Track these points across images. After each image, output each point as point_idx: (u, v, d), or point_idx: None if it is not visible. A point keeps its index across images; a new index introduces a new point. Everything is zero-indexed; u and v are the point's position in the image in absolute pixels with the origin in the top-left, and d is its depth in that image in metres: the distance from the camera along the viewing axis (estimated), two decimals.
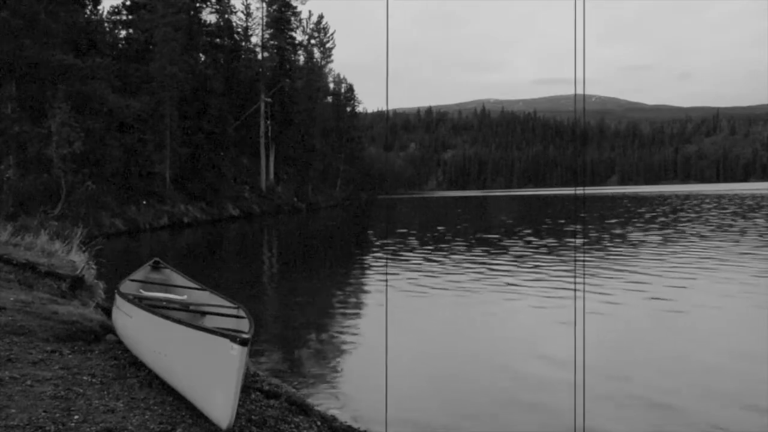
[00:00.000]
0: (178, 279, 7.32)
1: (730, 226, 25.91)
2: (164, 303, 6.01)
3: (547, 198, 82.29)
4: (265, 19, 57.93)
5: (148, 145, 36.27)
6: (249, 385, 4.95)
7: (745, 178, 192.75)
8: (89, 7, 35.28)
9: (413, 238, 25.40)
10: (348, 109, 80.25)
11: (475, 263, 16.42)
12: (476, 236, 25.63)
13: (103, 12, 41.41)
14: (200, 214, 39.21)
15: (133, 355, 5.05)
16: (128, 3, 42.51)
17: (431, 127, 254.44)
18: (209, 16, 51.93)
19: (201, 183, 41.15)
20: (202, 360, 3.75)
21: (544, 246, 20.41)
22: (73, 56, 28.12)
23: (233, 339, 3.54)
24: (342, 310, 11.26)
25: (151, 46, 39.36)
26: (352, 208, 63.94)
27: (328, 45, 67.90)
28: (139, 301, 5.37)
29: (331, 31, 67.86)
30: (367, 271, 16.65)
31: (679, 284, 12.29)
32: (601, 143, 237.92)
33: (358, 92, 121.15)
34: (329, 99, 75.01)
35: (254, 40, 58.87)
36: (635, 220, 32.27)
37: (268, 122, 56.02)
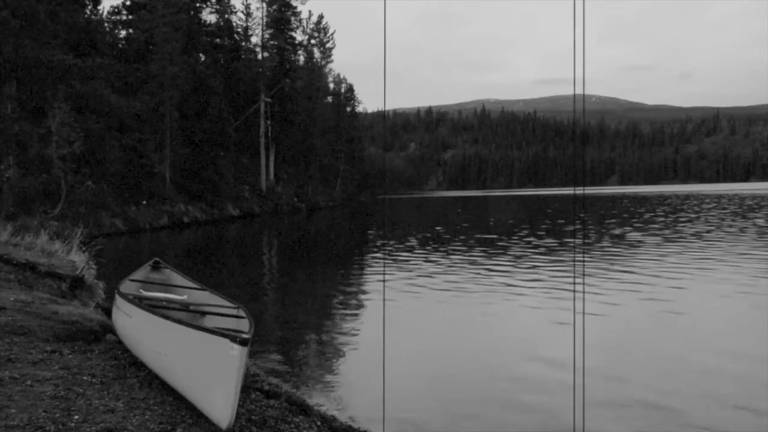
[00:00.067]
0: (178, 279, 7.33)
1: (730, 226, 25.92)
2: (164, 303, 6.02)
3: (547, 198, 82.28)
4: (265, 19, 57.95)
5: (148, 145, 36.27)
6: (249, 385, 4.96)
7: (745, 178, 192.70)
8: (89, 7, 35.33)
9: (413, 238, 25.41)
10: (348, 109, 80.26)
11: (474, 263, 16.43)
12: (476, 236, 25.63)
13: (103, 12, 41.52)
14: (200, 214, 39.21)
15: (133, 355, 5.06)
16: (128, 3, 42.55)
17: (431, 127, 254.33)
18: (209, 16, 52.05)
19: (201, 183, 41.16)
20: (202, 360, 3.76)
21: (544, 246, 20.41)
22: (73, 56, 28.13)
23: (233, 339, 3.55)
24: (342, 311, 11.28)
25: (151, 46, 39.37)
26: (352, 208, 63.95)
27: (328, 45, 67.96)
28: (139, 301, 5.38)
29: (331, 31, 67.94)
30: (367, 272, 16.66)
31: (679, 285, 12.30)
32: (601, 143, 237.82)
33: (358, 92, 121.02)
34: (329, 99, 75.02)
35: (254, 40, 58.96)
36: (635, 220, 32.27)
37: (268, 122, 56.02)
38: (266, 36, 58.15)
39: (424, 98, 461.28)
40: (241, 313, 5.31)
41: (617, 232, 25.14)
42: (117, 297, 5.60)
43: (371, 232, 31.99)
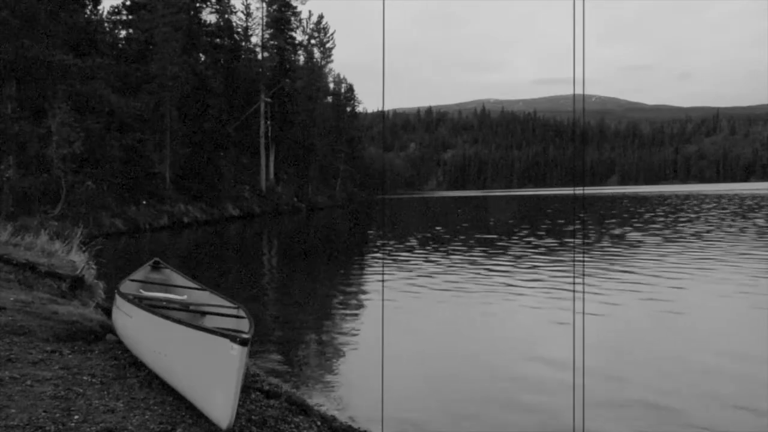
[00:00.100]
0: (178, 279, 7.33)
1: (730, 226, 25.92)
2: (164, 303, 6.02)
3: (547, 198, 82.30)
4: (265, 19, 57.94)
5: (148, 145, 36.28)
6: (249, 385, 4.96)
7: (745, 178, 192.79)
8: (89, 7, 35.27)
9: (412, 238, 25.41)
10: (348, 109, 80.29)
11: (474, 263, 16.43)
12: (476, 236, 25.64)
13: (103, 12, 41.44)
14: (200, 214, 39.20)
15: (133, 355, 5.06)
16: (128, 3, 42.51)
17: (431, 127, 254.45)
18: (209, 16, 51.96)
19: (201, 183, 41.15)
20: (202, 360, 3.76)
21: (544, 246, 20.41)
22: (73, 56, 28.11)
23: (233, 339, 3.55)
24: (342, 311, 11.28)
25: (151, 46, 39.36)
26: (352, 208, 63.96)
27: (328, 45, 67.95)
28: (139, 301, 5.38)
29: (331, 31, 67.94)
30: (367, 272, 16.66)
31: (678, 285, 12.30)
32: (601, 143, 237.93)
33: (358, 92, 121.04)
34: (329, 99, 75.01)
35: (254, 40, 58.92)
36: (635, 220, 32.27)
37: (268, 122, 56.01)
38: (266, 36, 58.15)
39: (424, 98, 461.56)
40: (241, 313, 5.31)
41: (617, 232, 25.14)
42: (117, 297, 5.60)
43: (371, 232, 31.99)
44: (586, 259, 16.86)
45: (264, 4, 57.89)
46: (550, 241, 22.22)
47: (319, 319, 10.52)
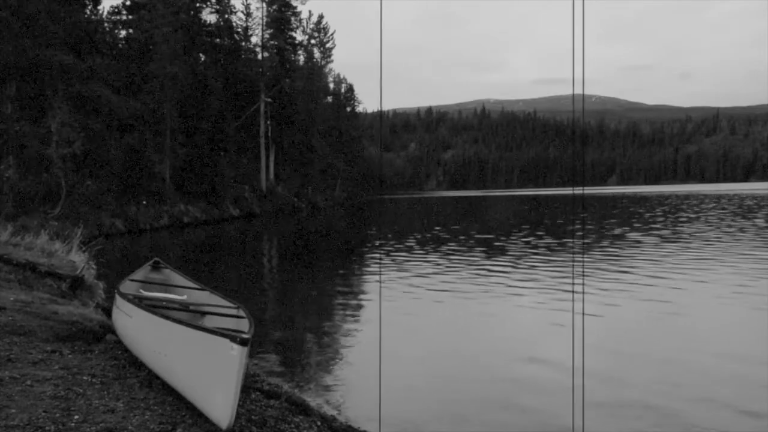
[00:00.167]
0: (178, 279, 7.34)
1: (730, 226, 25.92)
2: (164, 303, 6.03)
3: (547, 198, 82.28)
4: (265, 19, 57.95)
5: (148, 145, 36.29)
6: (249, 385, 4.97)
7: (745, 178, 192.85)
8: (89, 7, 35.29)
9: (412, 238, 25.41)
10: (348, 109, 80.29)
11: (473, 264, 16.42)
12: (475, 236, 25.63)
13: (103, 12, 41.45)
14: (200, 214, 39.21)
15: (133, 355, 5.07)
16: (128, 3, 42.53)
17: (431, 127, 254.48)
18: (209, 16, 51.98)
19: (201, 183, 41.16)
20: (202, 360, 3.77)
21: (543, 246, 20.41)
22: (73, 56, 28.14)
23: (233, 339, 3.55)
24: (341, 311, 11.28)
25: (151, 46, 39.37)
26: (352, 208, 63.95)
27: (328, 45, 68.00)
28: (139, 301, 5.38)
29: (331, 31, 67.99)
30: (367, 272, 16.66)
31: (678, 285, 12.30)
32: (601, 143, 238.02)
33: (358, 92, 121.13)
34: (329, 99, 75.03)
35: (254, 40, 58.94)
36: (634, 220, 32.27)
37: (268, 122, 56.02)
38: (266, 36, 58.16)
39: (424, 98, 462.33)
40: (241, 313, 5.32)
41: (617, 232, 25.14)
42: (117, 297, 5.61)
43: (371, 232, 31.99)
44: (585, 259, 16.86)
45: (264, 4, 57.92)
46: (549, 242, 22.22)
47: (319, 320, 10.53)
